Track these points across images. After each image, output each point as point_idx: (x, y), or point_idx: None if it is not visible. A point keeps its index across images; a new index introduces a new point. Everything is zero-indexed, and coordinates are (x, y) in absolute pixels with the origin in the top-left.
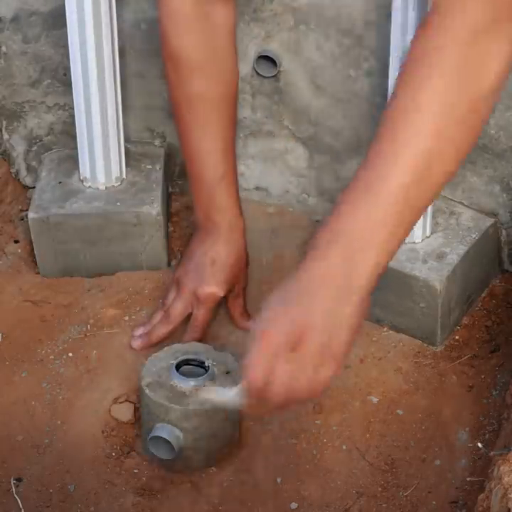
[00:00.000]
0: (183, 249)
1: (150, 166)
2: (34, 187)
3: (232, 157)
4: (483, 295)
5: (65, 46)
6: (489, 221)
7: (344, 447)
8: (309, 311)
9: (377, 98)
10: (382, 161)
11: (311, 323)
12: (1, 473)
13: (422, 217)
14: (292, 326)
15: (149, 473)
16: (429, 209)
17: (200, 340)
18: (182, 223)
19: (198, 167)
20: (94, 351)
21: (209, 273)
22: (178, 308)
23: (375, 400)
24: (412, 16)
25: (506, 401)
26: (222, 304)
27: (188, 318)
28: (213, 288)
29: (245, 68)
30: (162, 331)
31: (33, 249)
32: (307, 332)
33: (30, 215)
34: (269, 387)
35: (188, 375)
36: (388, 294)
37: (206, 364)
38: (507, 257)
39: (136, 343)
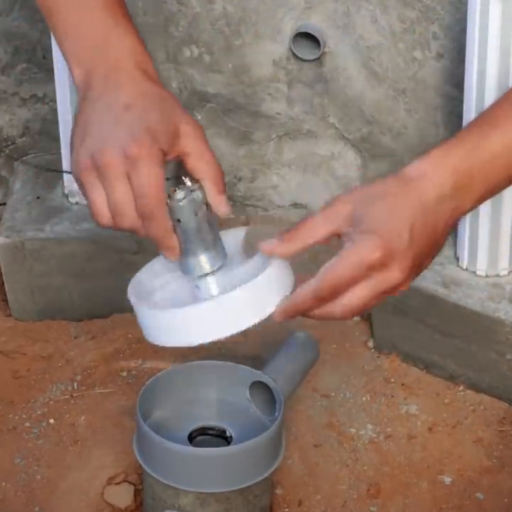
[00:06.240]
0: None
1: None
2: (4, 203)
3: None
4: None
5: (44, 21)
6: None
7: None
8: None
9: (449, 87)
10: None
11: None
12: None
13: (507, 246)
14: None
15: None
16: None
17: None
18: None
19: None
20: (83, 417)
21: (128, 120)
22: (119, 194)
23: (447, 480)
24: None
25: None
26: None
27: None
28: (145, 136)
29: (279, 49)
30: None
31: (3, 285)
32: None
33: (0, 240)
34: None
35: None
36: (465, 341)
37: (228, 434)
38: None
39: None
